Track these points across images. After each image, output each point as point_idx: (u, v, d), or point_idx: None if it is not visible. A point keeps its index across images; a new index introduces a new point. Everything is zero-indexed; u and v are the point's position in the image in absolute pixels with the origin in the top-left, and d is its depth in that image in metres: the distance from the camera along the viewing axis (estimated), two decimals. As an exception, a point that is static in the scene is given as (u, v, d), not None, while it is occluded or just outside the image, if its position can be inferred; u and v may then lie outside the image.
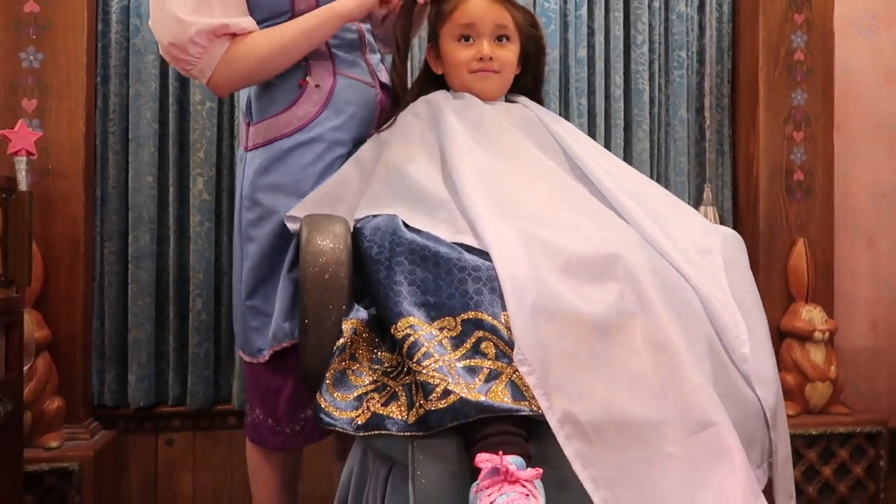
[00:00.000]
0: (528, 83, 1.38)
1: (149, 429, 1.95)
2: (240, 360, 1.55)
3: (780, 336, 2.05)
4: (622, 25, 2.14)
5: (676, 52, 2.19)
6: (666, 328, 0.93)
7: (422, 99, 1.31)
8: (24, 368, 1.53)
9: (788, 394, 1.97)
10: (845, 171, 2.28)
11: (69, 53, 1.77)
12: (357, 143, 1.34)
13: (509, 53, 1.30)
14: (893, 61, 2.39)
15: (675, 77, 2.20)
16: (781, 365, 2.03)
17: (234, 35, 1.24)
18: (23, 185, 1.54)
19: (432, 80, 1.36)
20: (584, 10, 2.11)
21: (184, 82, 1.94)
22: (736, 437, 0.89)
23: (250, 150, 1.32)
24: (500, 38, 1.29)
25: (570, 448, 0.87)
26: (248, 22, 1.26)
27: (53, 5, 1.77)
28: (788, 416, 1.20)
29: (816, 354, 2.01)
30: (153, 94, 1.91)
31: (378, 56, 1.46)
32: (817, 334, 2.00)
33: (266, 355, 1.27)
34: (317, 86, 1.30)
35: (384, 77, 1.42)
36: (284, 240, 1.27)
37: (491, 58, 1.27)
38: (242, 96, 1.39)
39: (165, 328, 1.94)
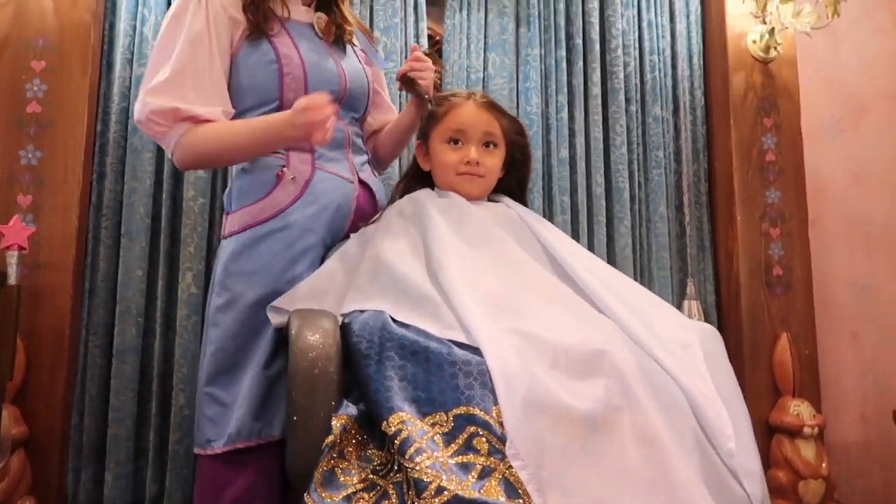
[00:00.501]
0: (512, 185, 1.44)
1: (123, 531, 1.87)
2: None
3: (769, 431, 2.03)
4: (601, 127, 2.25)
5: (654, 153, 2.29)
6: (653, 422, 0.93)
7: (407, 197, 1.36)
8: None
9: (781, 491, 1.94)
10: (823, 266, 2.34)
11: (67, 151, 1.83)
12: (331, 234, 1.35)
13: (495, 160, 1.36)
14: (860, 162, 2.50)
15: (653, 175, 2.28)
16: (772, 461, 2.01)
17: (195, 119, 1.30)
18: (12, 279, 1.55)
19: (419, 177, 1.42)
20: (564, 114, 2.22)
21: (178, 179, 1.99)
22: None
23: (226, 237, 1.35)
24: (487, 144, 1.36)
25: None
26: (206, 111, 1.30)
27: (55, 106, 1.84)
28: (784, 516, 1.18)
29: (807, 450, 1.99)
30: (147, 191, 1.95)
31: (364, 157, 1.50)
32: (806, 429, 1.99)
33: (217, 448, 1.22)
34: (293, 178, 1.33)
35: (366, 176, 1.46)
36: (251, 328, 1.26)
37: (478, 163, 1.33)
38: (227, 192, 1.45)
39: (146, 424, 1.90)
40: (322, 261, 1.32)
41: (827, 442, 2.10)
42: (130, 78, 1.99)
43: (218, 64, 1.33)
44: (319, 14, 1.46)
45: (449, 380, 0.96)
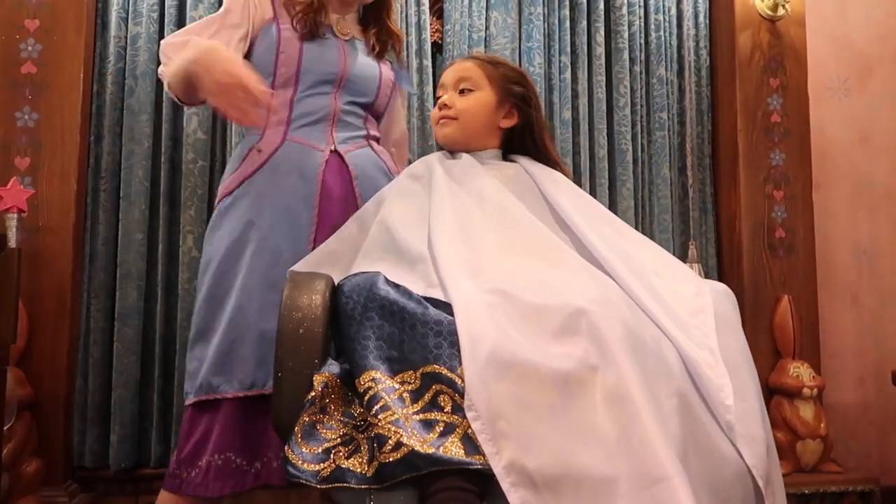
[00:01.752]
0: (527, 144, 1.40)
1: (129, 491, 1.90)
2: None
3: (769, 393, 2.05)
4: (605, 88, 2.22)
5: (658, 114, 2.26)
6: (626, 381, 0.93)
7: (420, 159, 1.37)
8: (4, 429, 1.50)
9: (780, 451, 1.94)
10: (825, 229, 2.33)
11: (64, 113, 1.81)
12: (295, 196, 1.40)
13: (470, 101, 1.34)
14: (866, 123, 2.48)
15: (657, 138, 2.26)
16: (772, 422, 2.00)
17: None
18: (12, 242, 1.54)
19: None
20: (567, 74, 2.19)
21: (176, 141, 1.97)
22: (689, 494, 0.87)
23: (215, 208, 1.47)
24: (462, 91, 1.35)
25: (515, 496, 0.86)
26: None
27: (51, 67, 1.81)
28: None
29: (806, 411, 2.01)
30: (146, 153, 1.93)
31: (354, 134, 1.51)
32: (806, 391, 2.00)
33: (189, 400, 1.35)
34: (259, 151, 1.42)
35: (347, 149, 1.48)
36: (218, 291, 1.37)
37: (447, 105, 1.33)
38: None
39: (150, 387, 1.92)
40: (286, 221, 1.40)
41: (825, 403, 2.12)
42: (126, 37, 1.96)
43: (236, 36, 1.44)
44: (340, 17, 1.51)
45: (420, 339, 0.98)
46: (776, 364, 2.07)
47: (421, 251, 1.14)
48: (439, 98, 1.37)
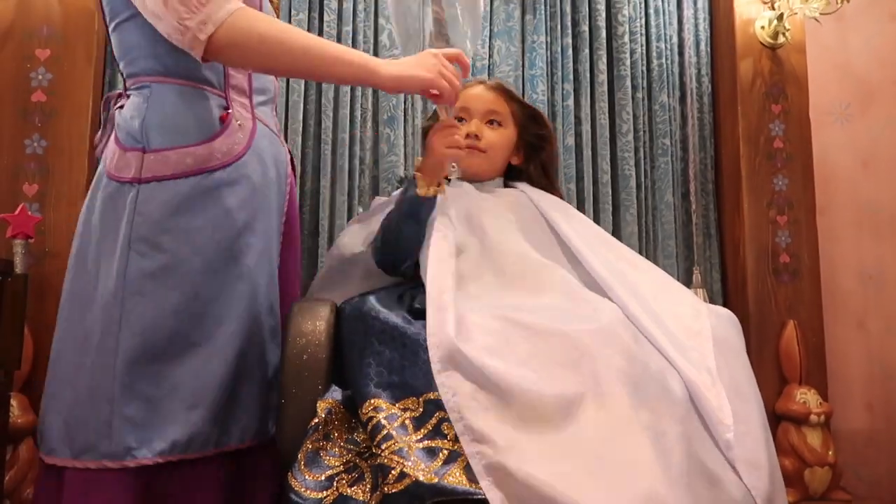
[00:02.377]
0: (532, 174, 1.41)
1: (131, 519, 1.88)
2: (45, 466, 1.05)
3: (775, 419, 2.03)
4: (607, 115, 2.24)
5: (660, 140, 2.28)
6: (619, 409, 0.93)
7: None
8: (7, 455, 1.50)
9: (788, 479, 1.93)
10: (830, 254, 2.33)
11: (73, 139, 1.83)
12: (278, 198, 1.20)
13: (497, 136, 1.35)
14: (869, 148, 2.49)
15: (660, 163, 2.27)
16: (779, 449, 1.99)
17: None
18: (19, 268, 1.55)
19: None
20: (570, 101, 2.21)
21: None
22: None
23: (145, 181, 1.06)
24: (491, 122, 1.35)
25: (494, 494, 0.86)
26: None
27: (60, 96, 1.84)
28: None
29: (813, 438, 1.99)
30: (153, 180, 1.95)
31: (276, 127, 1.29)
32: (813, 417, 1.99)
33: (145, 459, 0.98)
34: (239, 124, 1.14)
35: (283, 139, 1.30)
36: (200, 301, 1.04)
37: (477, 136, 1.32)
38: (128, 123, 1.13)
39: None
40: (278, 231, 1.21)
41: (833, 430, 2.10)
42: (135, 66, 1.98)
43: None
44: None
45: (422, 365, 0.97)
46: (782, 390, 2.06)
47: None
48: (461, 120, 1.34)
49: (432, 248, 1.12)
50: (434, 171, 1.18)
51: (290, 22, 2.06)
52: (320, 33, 2.09)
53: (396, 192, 1.34)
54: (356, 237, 1.36)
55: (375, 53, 2.11)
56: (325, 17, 2.09)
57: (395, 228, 1.20)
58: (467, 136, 1.31)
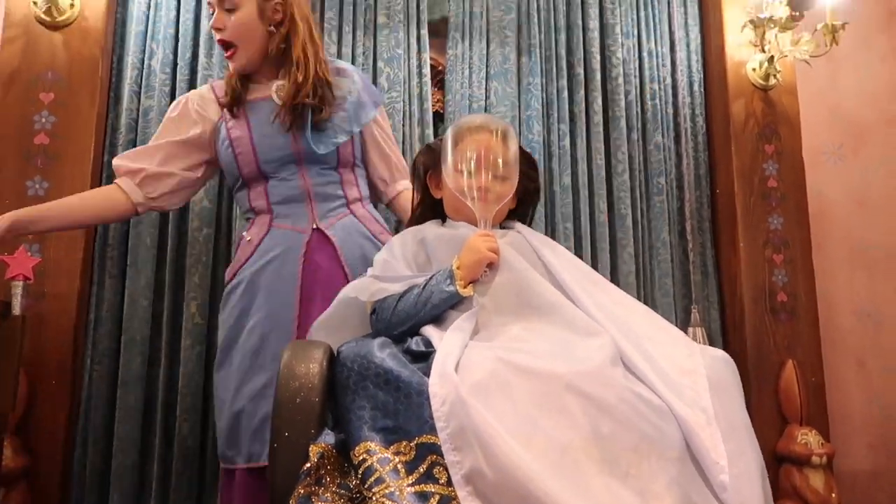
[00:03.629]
0: (521, 216, 1.45)
1: (124, 564, 1.85)
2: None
3: (777, 461, 2.01)
4: (603, 155, 2.26)
5: (656, 179, 2.30)
6: (615, 454, 0.92)
7: (412, 231, 1.37)
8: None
9: (791, 522, 1.91)
10: (827, 293, 2.33)
11: (74, 182, 1.85)
12: (280, 280, 1.50)
13: (506, 188, 1.36)
14: (862, 187, 2.51)
15: (655, 202, 2.29)
16: (781, 492, 1.98)
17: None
18: (16, 310, 1.55)
19: (431, 204, 1.43)
20: (566, 141, 2.24)
21: (183, 209, 2.00)
22: None
23: None
24: (495, 176, 1.36)
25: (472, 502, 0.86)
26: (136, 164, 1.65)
27: (63, 138, 1.87)
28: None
29: (816, 480, 1.97)
30: (153, 221, 1.97)
31: (334, 204, 1.59)
32: (815, 458, 1.96)
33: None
34: (249, 240, 1.54)
35: (329, 224, 1.56)
36: (223, 369, 1.52)
37: (488, 190, 1.33)
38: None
39: (150, 455, 1.89)
40: (272, 305, 1.51)
41: (836, 471, 2.07)
42: (138, 110, 2.02)
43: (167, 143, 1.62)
44: (278, 84, 1.57)
45: (415, 409, 0.98)
46: (783, 431, 2.04)
47: None
48: (469, 171, 1.34)
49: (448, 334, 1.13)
50: (473, 269, 1.22)
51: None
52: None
53: (397, 248, 1.34)
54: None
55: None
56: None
57: (412, 314, 1.20)
58: (479, 188, 1.32)
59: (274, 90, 1.56)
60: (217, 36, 1.57)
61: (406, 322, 1.21)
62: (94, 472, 1.86)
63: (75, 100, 1.89)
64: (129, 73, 2.02)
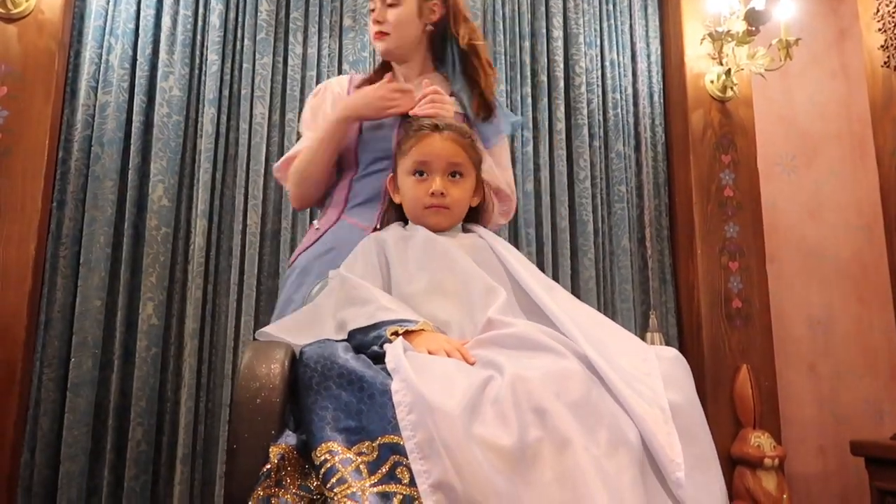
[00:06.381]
0: (484, 215, 1.46)
1: (72, 573, 1.80)
2: None
3: (731, 463, 2.05)
4: (566, 162, 2.29)
5: (617, 187, 2.34)
6: (577, 458, 0.93)
7: (372, 237, 1.36)
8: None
9: (744, 523, 1.95)
10: (780, 300, 2.40)
11: (26, 180, 1.80)
12: (325, 270, 1.42)
13: (462, 191, 1.36)
14: (814, 198, 2.59)
15: (616, 210, 2.33)
16: (735, 493, 2.02)
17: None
18: (-37, 309, 1.51)
19: (394, 209, 1.42)
20: (529, 148, 2.26)
21: (141, 208, 1.97)
22: None
23: None
24: (453, 175, 1.36)
25: None
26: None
27: (16, 134, 1.81)
28: (742, 547, 1.18)
29: (768, 482, 2.02)
30: (109, 220, 1.92)
31: None
32: (767, 461, 2.01)
33: None
34: (317, 228, 1.52)
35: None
36: None
37: (442, 193, 1.33)
38: None
39: (101, 461, 1.84)
40: None
41: (787, 473, 2.13)
42: (95, 105, 1.98)
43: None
44: (425, 80, 1.51)
45: (379, 409, 0.96)
46: (737, 434, 2.09)
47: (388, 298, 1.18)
48: (420, 174, 1.33)
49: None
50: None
51: (254, 66, 2.08)
52: (284, 78, 2.12)
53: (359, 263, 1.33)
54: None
55: (338, 98, 2.13)
56: (290, 62, 2.12)
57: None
58: (432, 194, 1.32)
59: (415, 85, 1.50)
60: (375, 28, 1.53)
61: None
62: (42, 478, 1.80)
63: (29, 94, 1.84)
64: (86, 68, 1.97)
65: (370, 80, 1.55)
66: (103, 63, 1.99)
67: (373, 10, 1.54)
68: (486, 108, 1.54)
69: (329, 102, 1.57)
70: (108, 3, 2.02)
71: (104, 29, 2.01)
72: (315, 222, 1.56)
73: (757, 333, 2.22)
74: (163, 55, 2.01)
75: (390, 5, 1.52)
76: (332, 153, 1.49)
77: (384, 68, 1.59)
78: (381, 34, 1.53)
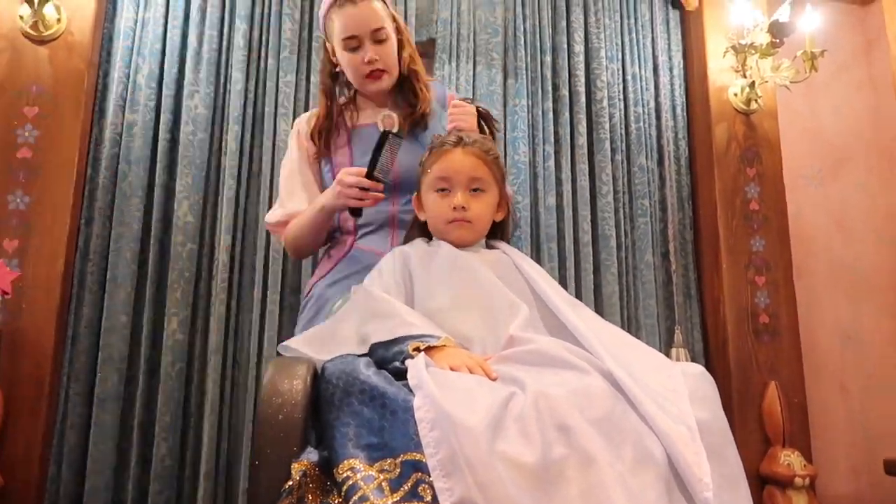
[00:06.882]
0: (506, 230, 1.45)
1: (97, 588, 1.81)
2: None
3: (760, 482, 2.01)
4: (588, 176, 2.28)
5: (640, 201, 2.32)
6: (602, 477, 0.91)
7: (396, 252, 1.36)
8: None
9: (774, 544, 1.91)
10: (809, 315, 2.35)
11: (56, 197, 1.83)
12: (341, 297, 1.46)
13: (484, 206, 1.36)
14: (841, 210, 2.55)
15: (639, 224, 2.31)
16: (764, 513, 1.98)
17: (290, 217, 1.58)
18: (-7, 325, 1.53)
19: (419, 226, 1.43)
20: (551, 163, 2.25)
21: (166, 224, 1.99)
22: None
23: None
24: (474, 190, 1.36)
25: None
26: (292, 205, 1.58)
27: (46, 152, 1.85)
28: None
29: (799, 501, 1.97)
30: (135, 235, 1.95)
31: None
32: (798, 480, 1.97)
33: None
34: (329, 256, 1.56)
35: None
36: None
37: (464, 207, 1.33)
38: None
39: (125, 474, 1.85)
40: None
41: (819, 494, 2.07)
42: (122, 124, 2.01)
43: (304, 174, 1.62)
44: (386, 113, 1.52)
45: (401, 426, 0.96)
46: (766, 452, 2.04)
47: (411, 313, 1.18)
48: (443, 190, 1.34)
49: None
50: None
51: (277, 84, 2.11)
52: (307, 96, 2.14)
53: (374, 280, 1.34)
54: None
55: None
56: (312, 80, 2.14)
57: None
58: (454, 208, 1.32)
59: (380, 119, 1.50)
60: (371, 67, 1.54)
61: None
62: (68, 492, 1.82)
63: (59, 114, 1.88)
64: (114, 88, 2.01)
65: (327, 115, 1.58)
66: (131, 83, 2.03)
67: (355, 48, 1.52)
68: (422, 124, 1.57)
69: (297, 162, 1.61)
70: (135, 24, 2.06)
71: (132, 49, 2.05)
72: (329, 249, 1.59)
73: (785, 349, 2.18)
74: (189, 74, 2.05)
75: (379, 41, 1.53)
76: (321, 230, 1.56)
77: (328, 98, 1.61)
78: (379, 72, 1.53)
